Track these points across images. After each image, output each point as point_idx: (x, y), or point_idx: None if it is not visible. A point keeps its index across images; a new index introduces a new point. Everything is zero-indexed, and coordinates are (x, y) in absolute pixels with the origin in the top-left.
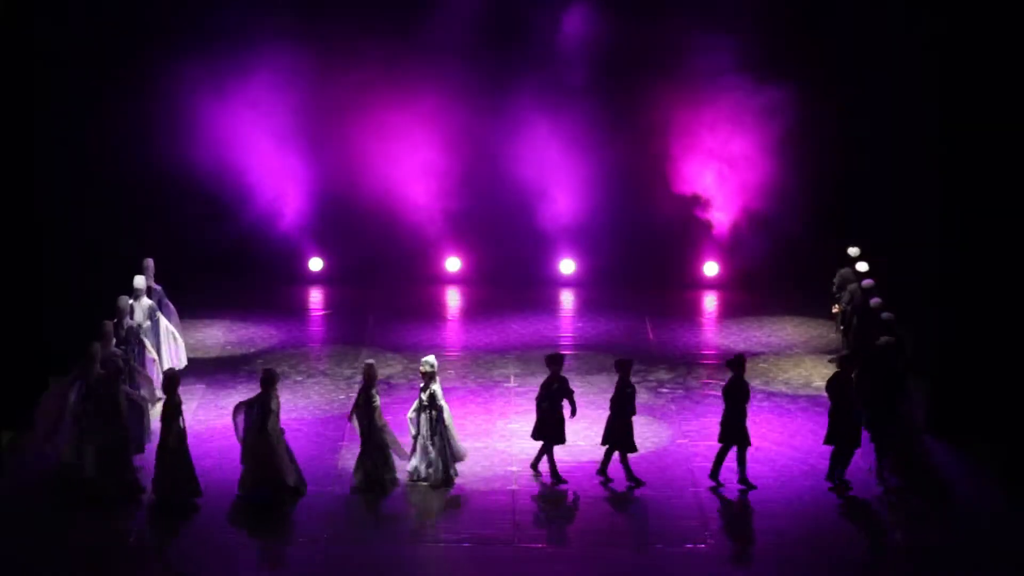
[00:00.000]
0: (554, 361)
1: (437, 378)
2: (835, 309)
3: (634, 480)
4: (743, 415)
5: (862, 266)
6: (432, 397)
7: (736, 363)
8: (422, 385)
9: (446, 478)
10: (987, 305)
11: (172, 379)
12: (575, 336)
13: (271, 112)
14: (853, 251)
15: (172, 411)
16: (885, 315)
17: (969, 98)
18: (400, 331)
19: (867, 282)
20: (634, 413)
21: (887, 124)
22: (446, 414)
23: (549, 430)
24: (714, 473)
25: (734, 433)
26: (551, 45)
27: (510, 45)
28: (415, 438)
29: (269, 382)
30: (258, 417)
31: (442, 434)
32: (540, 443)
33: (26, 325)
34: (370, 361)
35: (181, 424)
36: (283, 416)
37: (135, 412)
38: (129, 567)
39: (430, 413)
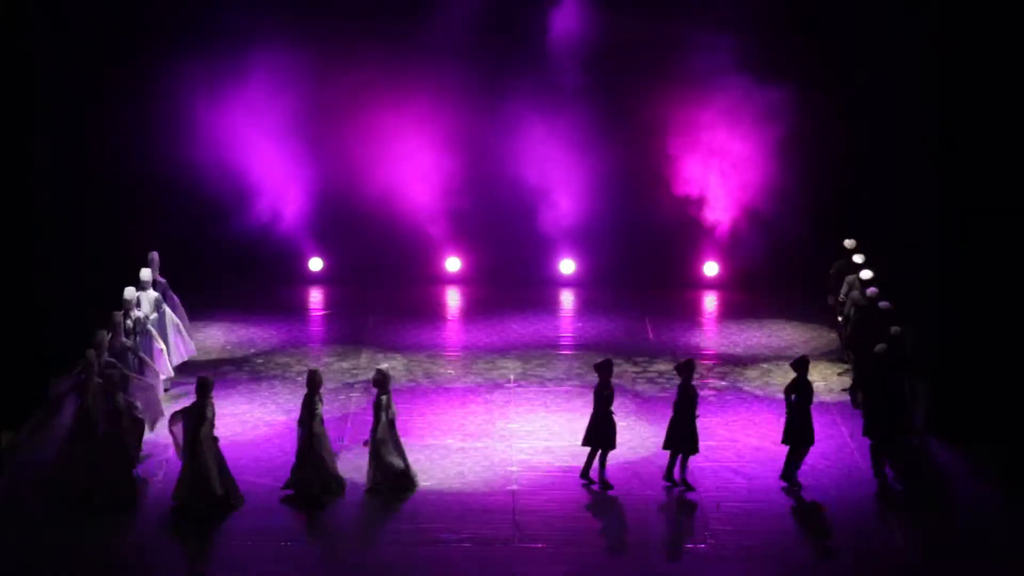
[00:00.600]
0: (604, 367)
1: (388, 388)
2: (832, 301)
3: (686, 485)
4: (808, 416)
5: (858, 258)
6: (375, 407)
7: (800, 364)
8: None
9: (389, 485)
10: (987, 305)
11: (113, 380)
12: (575, 336)
13: (271, 112)
14: (849, 243)
15: (115, 413)
16: (883, 304)
17: (969, 98)
18: (400, 331)
19: (865, 273)
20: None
21: (887, 124)
22: (380, 427)
23: (603, 436)
24: (786, 475)
25: (797, 434)
26: (551, 46)
27: (510, 45)
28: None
29: (204, 389)
30: (193, 425)
31: (377, 444)
32: (588, 450)
33: (26, 325)
34: (314, 367)
35: (125, 424)
36: (283, 416)
37: (134, 427)
38: (128, 567)
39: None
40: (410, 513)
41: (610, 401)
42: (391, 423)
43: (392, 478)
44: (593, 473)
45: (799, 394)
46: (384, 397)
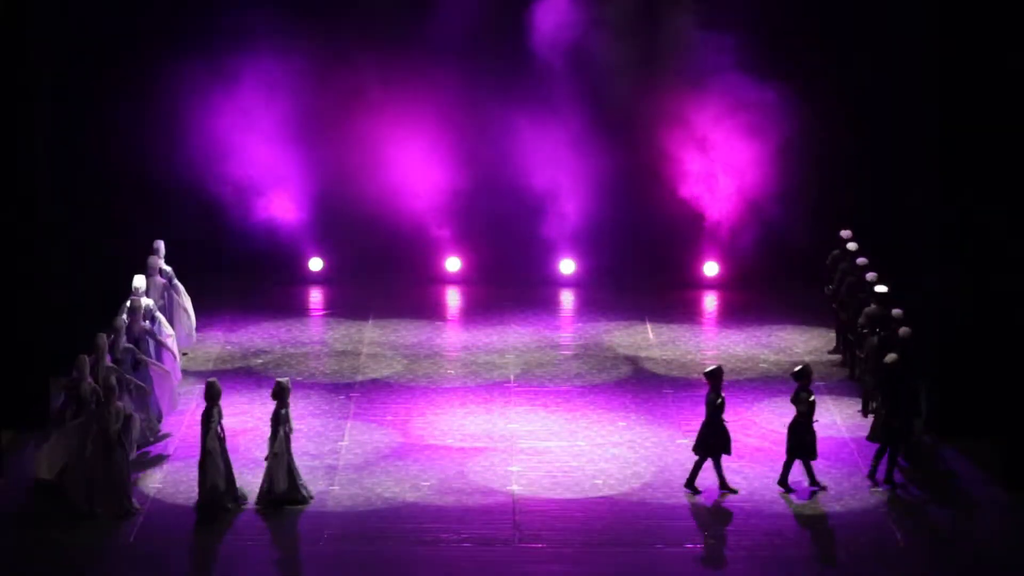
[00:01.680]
0: (715, 375)
1: (287, 400)
2: (828, 291)
3: (817, 484)
4: (894, 416)
5: (852, 245)
6: (273, 419)
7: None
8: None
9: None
10: (987, 305)
11: (123, 362)
12: (575, 336)
13: (271, 112)
14: (845, 233)
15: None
16: (879, 288)
17: (969, 98)
18: (400, 331)
19: (861, 260)
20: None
21: (887, 124)
22: (278, 441)
23: (716, 444)
24: (872, 472)
25: (882, 432)
26: (549, 45)
27: (510, 46)
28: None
29: (109, 393)
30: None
31: (272, 456)
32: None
33: (26, 325)
34: (212, 379)
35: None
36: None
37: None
38: (128, 567)
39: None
40: (410, 513)
41: (722, 409)
42: (287, 438)
43: (279, 494)
44: (700, 483)
45: (884, 394)
46: (284, 411)
